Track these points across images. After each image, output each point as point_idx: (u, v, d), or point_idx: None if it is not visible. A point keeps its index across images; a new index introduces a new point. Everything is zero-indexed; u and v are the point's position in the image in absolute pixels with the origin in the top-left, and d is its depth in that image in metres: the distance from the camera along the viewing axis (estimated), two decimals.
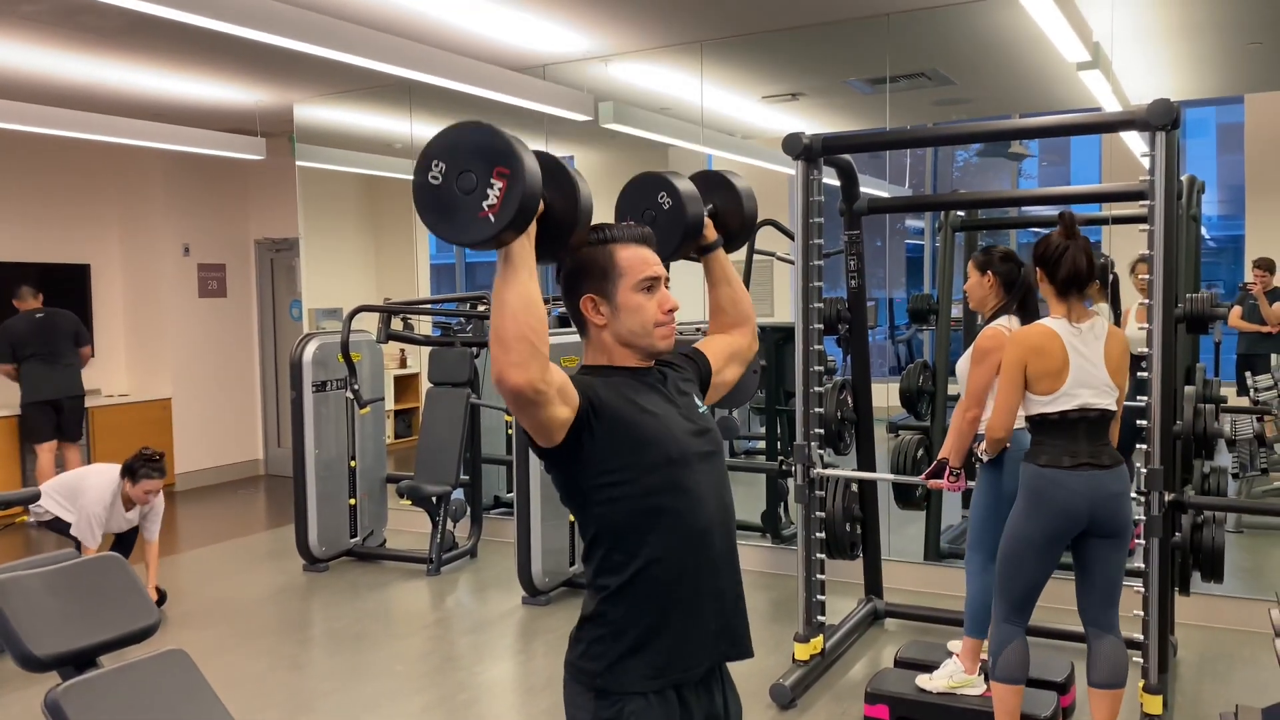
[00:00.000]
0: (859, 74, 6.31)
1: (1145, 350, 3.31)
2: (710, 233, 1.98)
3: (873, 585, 4.65)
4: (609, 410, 1.66)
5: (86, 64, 5.75)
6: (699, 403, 1.84)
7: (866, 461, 4.50)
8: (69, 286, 7.75)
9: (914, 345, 9.19)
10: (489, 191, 1.47)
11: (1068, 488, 2.95)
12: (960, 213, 5.45)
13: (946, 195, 7.01)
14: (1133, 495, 3.18)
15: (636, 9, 5.08)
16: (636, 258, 1.73)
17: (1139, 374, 3.35)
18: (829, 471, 4.03)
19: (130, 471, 4.76)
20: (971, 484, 3.60)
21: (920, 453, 5.41)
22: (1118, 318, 5.27)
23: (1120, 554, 3.06)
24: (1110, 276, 4.76)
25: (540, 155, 1.57)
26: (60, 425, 7.06)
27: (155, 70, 5.96)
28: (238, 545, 6.48)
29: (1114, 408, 3.02)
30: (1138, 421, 3.35)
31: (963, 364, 3.66)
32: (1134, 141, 5.69)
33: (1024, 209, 6.46)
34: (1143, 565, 3.34)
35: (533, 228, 1.56)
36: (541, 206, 1.58)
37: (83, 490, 4.76)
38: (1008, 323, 3.50)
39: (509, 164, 1.48)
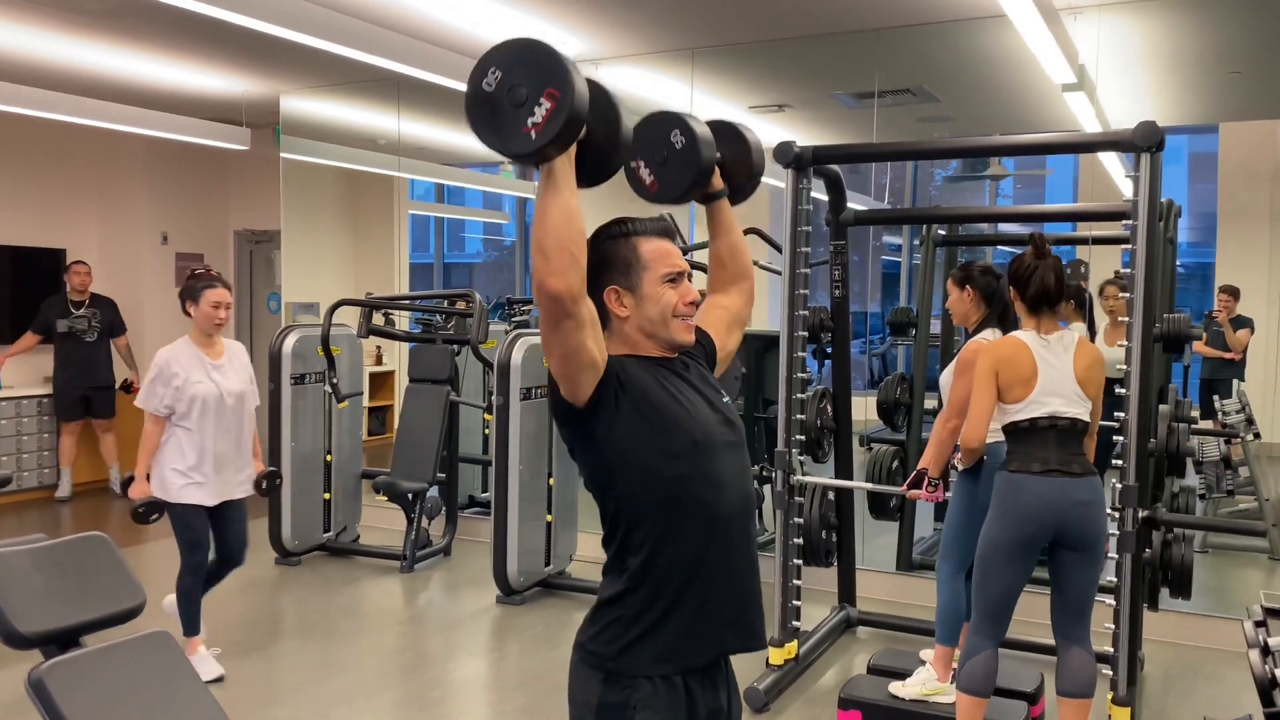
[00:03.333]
0: (846, 88, 6.37)
1: (1122, 368, 3.37)
2: (717, 180, 1.98)
3: (846, 593, 4.68)
4: (638, 387, 1.70)
5: (72, 46, 5.70)
6: (723, 393, 1.86)
7: (844, 471, 4.54)
8: (44, 271, 7.66)
9: (889, 359, 9.27)
10: (536, 110, 1.51)
11: (1034, 492, 3.00)
12: (941, 230, 5.52)
13: (930, 209, 7.10)
14: (1108, 511, 3.23)
15: (629, 13, 5.11)
16: (660, 250, 1.77)
17: (1117, 390, 3.40)
18: (809, 479, 4.06)
19: (190, 295, 3.89)
20: (949, 495, 3.65)
21: (895, 464, 5.48)
22: (1092, 337, 5.35)
23: (1093, 569, 3.10)
24: (1086, 297, 4.83)
25: (592, 85, 1.60)
26: (90, 407, 7.32)
27: (142, 55, 5.92)
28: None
29: (1086, 418, 3.08)
30: (1113, 438, 3.41)
31: (945, 376, 3.71)
32: (1113, 166, 5.79)
33: (1001, 227, 6.57)
34: (1114, 580, 3.40)
35: (573, 149, 1.59)
36: (583, 131, 1.61)
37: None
38: (991, 336, 3.55)
39: (561, 86, 1.51)
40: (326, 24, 4.75)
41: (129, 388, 7.49)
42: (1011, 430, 3.09)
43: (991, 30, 5.03)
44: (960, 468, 3.51)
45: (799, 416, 3.96)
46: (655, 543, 1.70)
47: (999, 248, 8.22)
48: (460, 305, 5.77)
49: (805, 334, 3.96)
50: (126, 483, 4.07)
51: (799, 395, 3.95)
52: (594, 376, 1.65)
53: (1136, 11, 4.83)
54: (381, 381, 8.80)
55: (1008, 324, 3.56)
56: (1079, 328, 4.87)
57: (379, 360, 8.84)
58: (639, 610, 1.70)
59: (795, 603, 3.98)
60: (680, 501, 1.71)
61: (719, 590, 1.73)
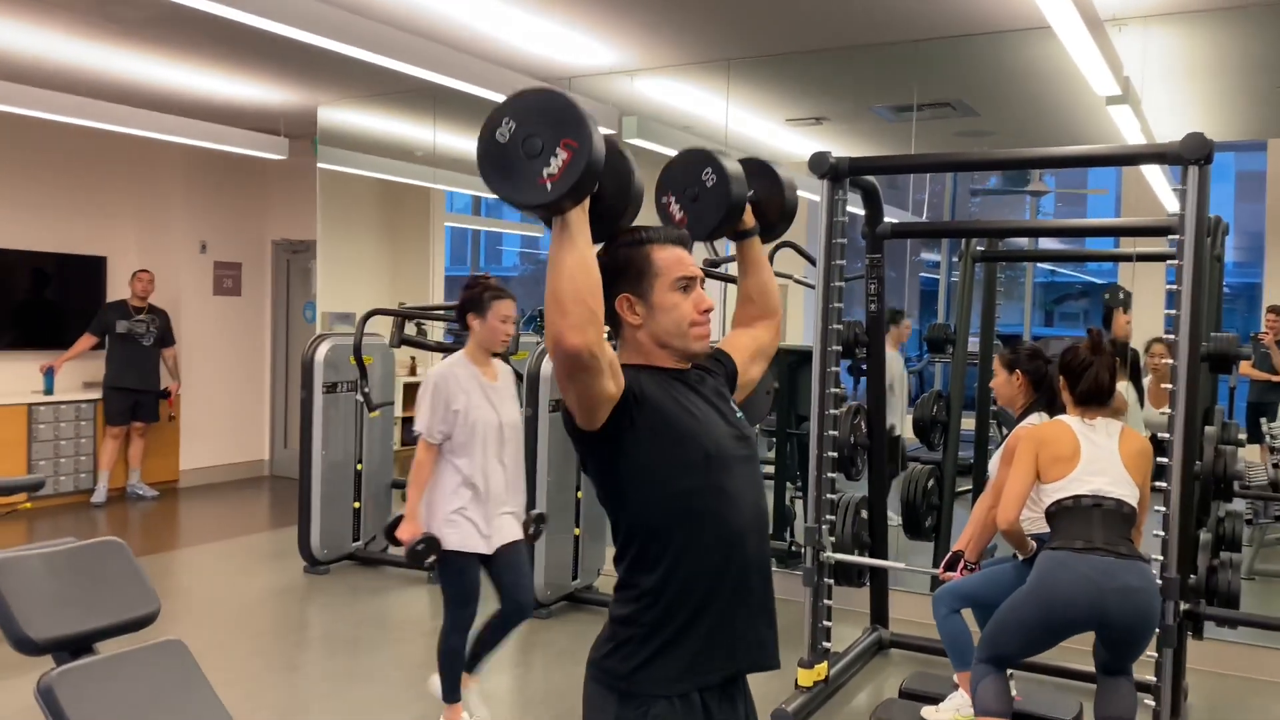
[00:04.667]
0: (884, 101, 6.29)
1: (1166, 436, 3.23)
2: (749, 218, 1.96)
3: (879, 614, 4.58)
4: (651, 402, 1.66)
5: (112, 55, 5.76)
6: (737, 409, 1.82)
7: (878, 489, 4.45)
8: (85, 278, 7.75)
9: (926, 376, 9.13)
10: (552, 160, 1.49)
11: (1075, 571, 2.83)
12: (980, 245, 5.42)
13: (969, 222, 6.96)
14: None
15: (665, 24, 5.08)
16: (672, 258, 1.73)
17: (1159, 460, 3.24)
18: (839, 556, 3.96)
19: (474, 307, 3.34)
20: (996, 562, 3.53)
21: (930, 483, 5.37)
22: (1140, 396, 5.23)
23: (1139, 650, 2.95)
24: (1129, 353, 4.72)
25: (605, 139, 1.58)
26: (137, 411, 7.49)
27: (181, 65, 5.97)
28: (240, 544, 6.44)
29: (1132, 501, 2.96)
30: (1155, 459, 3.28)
31: (994, 462, 3.62)
32: (1159, 184, 5.65)
33: (1041, 243, 6.44)
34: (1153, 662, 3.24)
35: (587, 202, 1.57)
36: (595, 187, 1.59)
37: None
38: (1037, 420, 3.46)
39: (578, 137, 1.48)
40: (364, 33, 4.76)
41: (166, 395, 7.65)
42: (1055, 511, 2.99)
43: (1033, 41, 4.94)
44: (1020, 557, 3.32)
45: (832, 433, 3.87)
46: (669, 559, 1.66)
47: (1039, 265, 8.09)
48: None
49: (839, 349, 3.88)
50: (394, 524, 3.38)
51: (832, 411, 3.87)
52: (609, 404, 1.62)
53: (1183, 23, 4.72)
54: (414, 392, 8.80)
55: (1054, 411, 3.46)
56: (1123, 386, 4.75)
57: (413, 370, 8.86)
58: (652, 628, 1.65)
59: (826, 623, 3.89)
60: (693, 515, 1.67)
61: (734, 607, 1.69)
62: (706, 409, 1.73)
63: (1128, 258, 4.91)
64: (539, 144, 1.49)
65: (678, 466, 1.66)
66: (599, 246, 1.69)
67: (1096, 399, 3.08)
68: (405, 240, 8.55)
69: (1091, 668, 3.09)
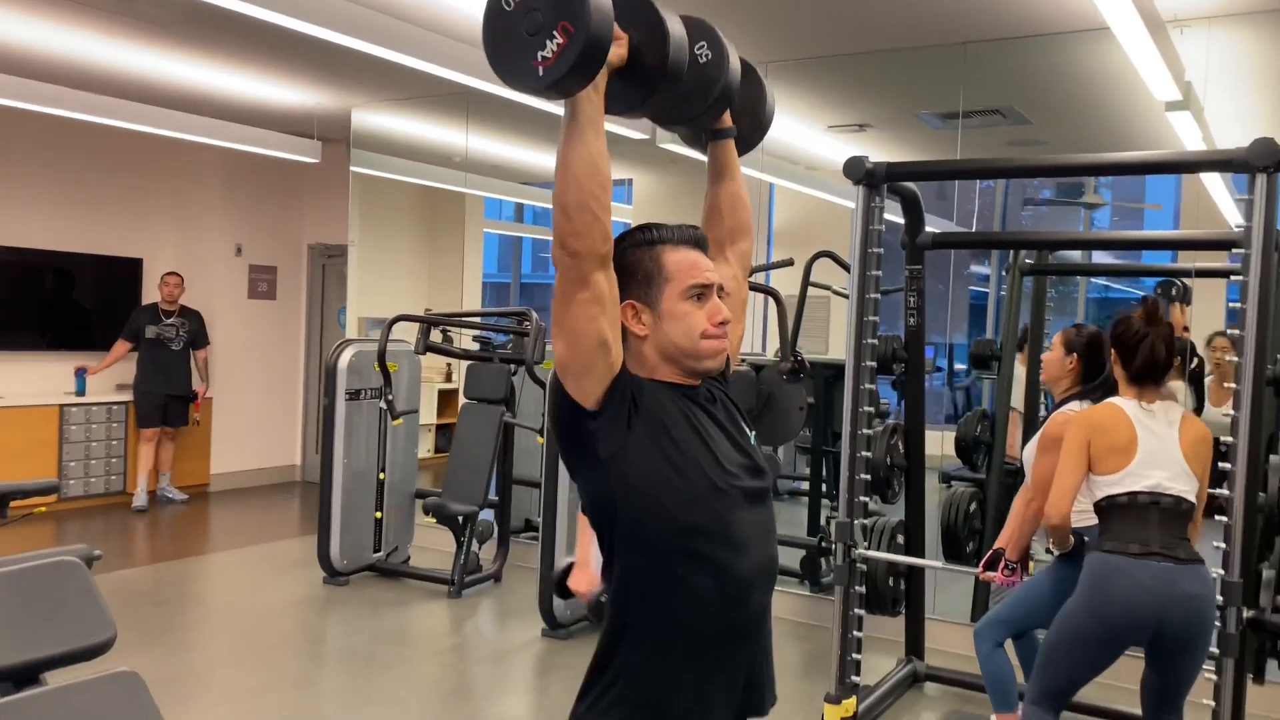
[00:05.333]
0: (931, 107, 6.06)
1: (1229, 440, 2.98)
2: (726, 117, 1.75)
3: (914, 645, 4.35)
4: (655, 410, 1.46)
5: (146, 56, 5.72)
6: (752, 437, 1.62)
7: (915, 512, 4.22)
8: (121, 280, 7.75)
9: (973, 393, 8.84)
10: (548, 42, 1.35)
11: (1133, 578, 2.62)
12: (1029, 258, 5.16)
13: (1016, 232, 6.70)
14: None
15: None
16: (686, 261, 1.53)
17: (1222, 465, 3.01)
18: (870, 553, 3.74)
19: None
20: (1028, 577, 3.31)
21: (973, 506, 5.12)
22: (1200, 401, 4.94)
23: (1195, 665, 2.72)
24: (1192, 358, 4.44)
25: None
26: (167, 415, 7.43)
27: (214, 66, 5.91)
28: (264, 551, 6.35)
29: (1191, 497, 2.72)
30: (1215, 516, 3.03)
31: (1029, 451, 3.38)
32: (1221, 198, 5.36)
33: (1095, 257, 6.16)
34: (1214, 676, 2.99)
35: (603, 81, 1.41)
36: (625, 50, 1.45)
37: None
38: (1078, 408, 3.22)
39: (575, 19, 1.34)
40: (396, 35, 4.66)
41: (194, 398, 7.58)
42: (1106, 507, 2.74)
43: (1089, 44, 4.70)
44: (1056, 552, 3.13)
45: (865, 453, 3.65)
46: (659, 604, 1.46)
47: (1092, 280, 7.78)
48: (522, 324, 5.61)
49: (874, 364, 3.66)
50: (564, 574, 3.18)
51: (865, 430, 3.65)
52: (606, 370, 1.43)
53: (1249, 24, 4.44)
54: (450, 399, 8.71)
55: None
56: (1178, 386, 4.48)
57: (448, 377, 8.76)
58: (637, 678, 1.46)
59: (855, 656, 3.67)
60: (692, 560, 1.46)
61: (728, 669, 1.49)
62: (716, 431, 1.54)
63: (1186, 273, 4.63)
64: (539, 19, 1.36)
65: (677, 498, 1.46)
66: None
67: (1152, 375, 2.79)
68: (442, 246, 8.47)
69: (1139, 710, 2.86)
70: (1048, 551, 3.23)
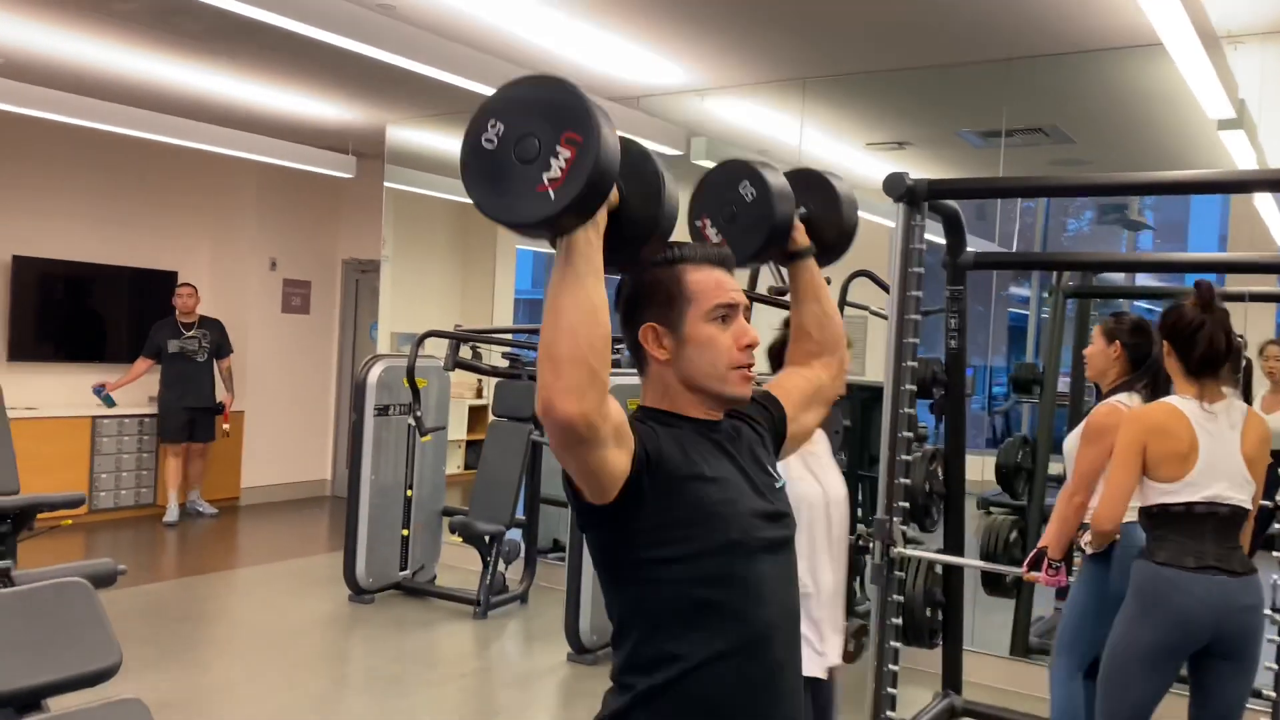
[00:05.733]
0: (972, 125, 5.93)
1: None
2: (801, 238, 1.68)
3: (951, 679, 4.19)
4: (667, 469, 1.34)
5: (180, 69, 5.74)
6: (776, 476, 1.51)
7: (954, 541, 4.08)
8: (156, 292, 7.77)
9: (1013, 417, 8.65)
10: (552, 161, 1.20)
11: (1191, 594, 2.53)
12: (1072, 280, 5.02)
13: (1061, 254, 6.55)
14: (1266, 612, 2.73)
15: (738, 40, 4.83)
16: (710, 281, 1.43)
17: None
18: (910, 551, 3.62)
19: None
20: (1072, 579, 3.20)
21: (1013, 535, 4.97)
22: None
23: (1246, 680, 2.63)
24: (1244, 361, 4.28)
25: (620, 138, 1.28)
26: (194, 430, 7.33)
27: (248, 80, 5.92)
28: (291, 567, 6.31)
29: (1248, 504, 2.60)
30: (1274, 525, 2.91)
31: (1071, 442, 3.26)
32: (1272, 217, 5.19)
33: (1139, 279, 5.99)
34: (1273, 694, 2.87)
35: (602, 220, 1.26)
36: (615, 199, 1.30)
37: None
38: (1128, 400, 3.11)
39: (582, 129, 1.19)
40: (430, 49, 4.63)
41: (221, 410, 7.50)
42: (1159, 513, 2.61)
43: (1138, 61, 4.57)
44: (1088, 550, 3.06)
45: (903, 479, 3.53)
46: (669, 661, 1.34)
47: (1136, 303, 7.58)
48: None
49: (914, 388, 3.54)
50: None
51: (904, 456, 3.53)
52: (622, 477, 1.31)
53: None
54: (480, 416, 8.66)
55: (1156, 393, 3.09)
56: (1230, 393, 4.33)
57: (479, 394, 8.72)
58: None
59: (890, 690, 3.53)
60: (706, 613, 1.35)
61: (755, 714, 1.38)
62: (735, 476, 1.42)
63: (1239, 297, 4.44)
64: (535, 144, 1.21)
65: (691, 552, 1.35)
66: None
67: (1213, 366, 2.60)
68: (474, 262, 8.43)
69: None
70: (1077, 549, 3.12)
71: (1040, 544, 3.18)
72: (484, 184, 1.25)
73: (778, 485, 1.49)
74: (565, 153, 1.19)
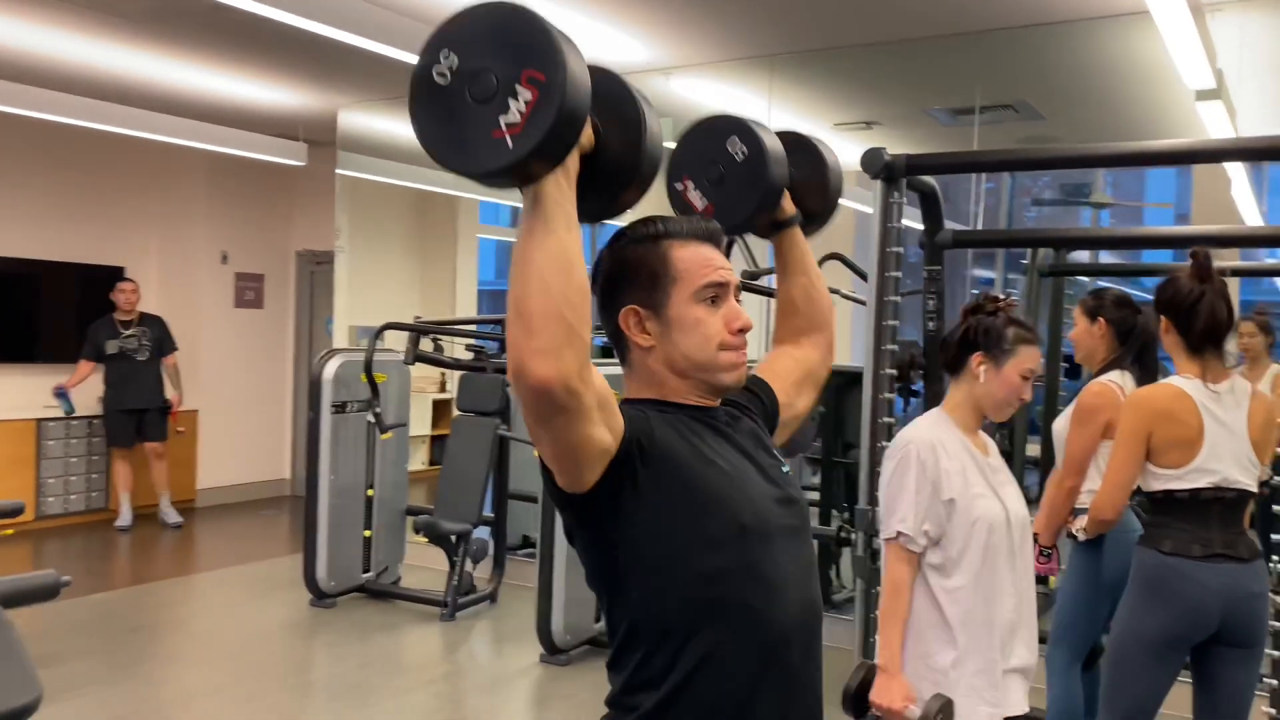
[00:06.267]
0: (941, 103, 5.82)
1: None
2: (788, 205, 1.53)
3: None
4: (663, 453, 1.21)
5: (123, 55, 5.48)
6: (781, 460, 1.38)
7: None
8: (102, 289, 7.46)
9: None
10: (510, 102, 1.03)
11: (1198, 582, 2.42)
12: (1049, 258, 4.92)
13: (1043, 231, 6.44)
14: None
15: (704, 17, 4.66)
16: (697, 258, 1.29)
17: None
18: None
19: (987, 342, 2.19)
20: (1063, 567, 3.10)
21: None
22: None
23: (1253, 669, 2.53)
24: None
25: (597, 70, 1.12)
26: (141, 429, 6.99)
27: (194, 65, 5.67)
28: (249, 571, 6.08)
29: (1253, 486, 2.49)
30: (1273, 507, 2.81)
31: (1060, 424, 3.15)
32: (1242, 191, 5.12)
33: (1103, 255, 5.91)
34: (1275, 682, 2.77)
35: (574, 164, 1.10)
36: (590, 141, 1.14)
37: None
38: (1120, 379, 3.00)
39: (545, 66, 1.03)
40: (381, 26, 4.42)
41: (169, 409, 7.13)
42: (1163, 499, 2.50)
43: (1113, 32, 4.47)
44: (1081, 537, 2.95)
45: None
46: (683, 672, 1.20)
47: (1098, 281, 7.53)
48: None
49: (894, 372, 3.41)
50: (864, 682, 2.14)
51: (885, 442, 3.39)
52: (604, 460, 1.17)
53: None
54: (444, 410, 8.46)
55: (1145, 368, 2.99)
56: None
57: (443, 387, 8.51)
58: None
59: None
60: (721, 611, 1.21)
61: None
62: (740, 462, 1.29)
63: (1222, 273, 4.37)
64: (492, 81, 1.04)
65: (699, 543, 1.21)
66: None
67: (1216, 339, 2.45)
68: (434, 251, 8.21)
69: None
70: (1070, 536, 3.02)
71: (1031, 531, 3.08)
72: (435, 125, 1.08)
73: (785, 470, 1.36)
74: (526, 94, 1.03)
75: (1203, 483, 2.44)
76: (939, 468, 2.10)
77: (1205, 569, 2.42)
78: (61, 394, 6.88)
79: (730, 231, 1.48)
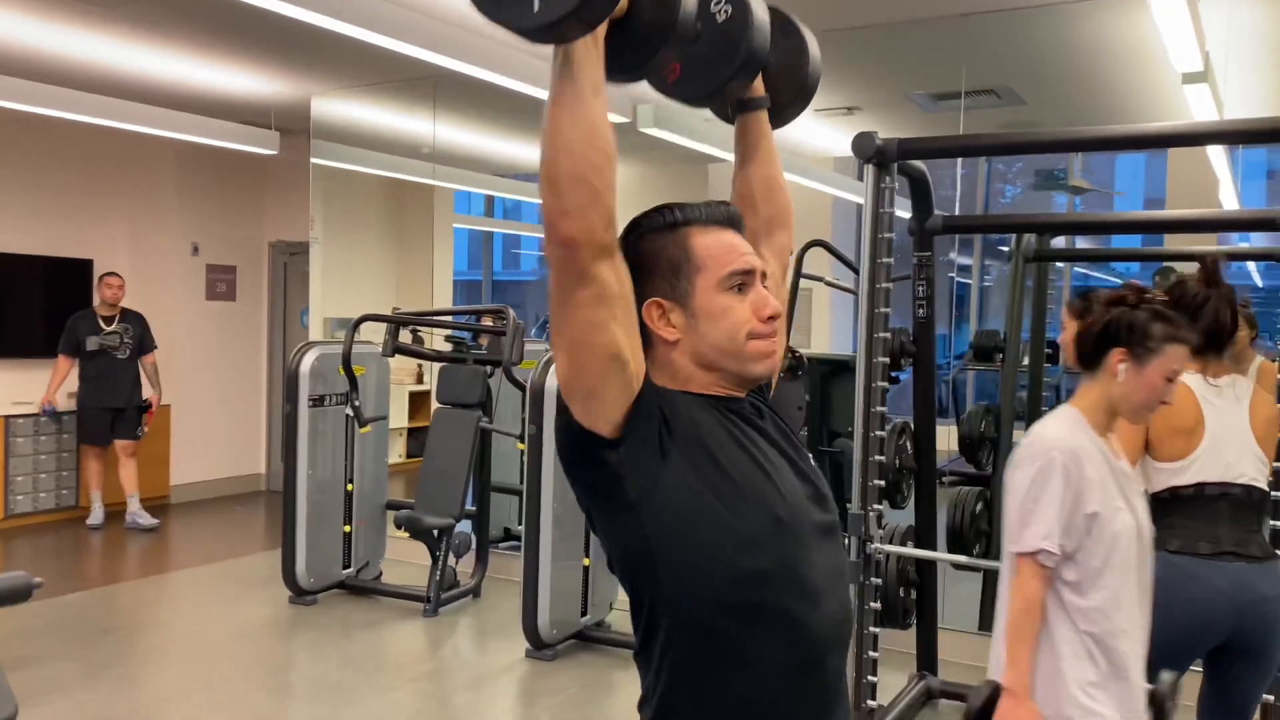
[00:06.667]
0: (924, 88, 5.77)
1: None
2: (758, 85, 1.43)
3: (926, 659, 4.06)
4: (694, 431, 1.16)
5: (88, 41, 5.32)
6: (810, 456, 1.31)
7: (926, 518, 3.93)
8: (70, 282, 7.30)
9: (958, 385, 8.59)
10: None
11: (1206, 583, 2.35)
12: (1032, 243, 4.89)
13: (1033, 215, 6.39)
14: None
15: None
16: (720, 244, 1.23)
17: None
18: (889, 548, 3.45)
19: (1131, 337, 2.03)
20: None
21: (979, 506, 4.84)
22: None
23: (1266, 674, 2.46)
24: None
25: None
26: (115, 428, 6.78)
27: (162, 51, 5.51)
28: (225, 568, 5.96)
29: (1263, 484, 2.44)
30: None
31: None
32: (1224, 177, 5.12)
33: (1079, 241, 5.88)
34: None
35: (603, 29, 1.09)
36: (623, 6, 1.12)
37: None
38: None
39: None
40: (355, 8, 4.30)
41: (147, 408, 6.94)
42: (1168, 499, 2.45)
43: (1101, 14, 4.43)
44: None
45: (878, 458, 3.35)
46: (715, 680, 1.14)
47: (1075, 267, 7.52)
48: (491, 322, 5.26)
49: (886, 360, 3.36)
50: (987, 705, 1.96)
51: (878, 433, 3.35)
52: (623, 389, 1.12)
53: None
54: (422, 402, 8.35)
55: None
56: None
57: (420, 379, 8.41)
58: None
59: (871, 678, 3.37)
60: (757, 616, 1.15)
61: None
62: (775, 456, 1.23)
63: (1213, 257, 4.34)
64: None
65: (736, 540, 1.15)
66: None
67: (1217, 343, 2.47)
68: (410, 242, 8.09)
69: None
70: None
71: None
72: None
73: (814, 465, 1.30)
74: None
75: (1207, 476, 2.40)
76: (1083, 478, 1.93)
77: (1214, 568, 2.35)
78: (45, 412, 6.75)
79: (695, 101, 1.41)
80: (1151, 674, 2.42)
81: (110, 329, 6.75)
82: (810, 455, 1.31)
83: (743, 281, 1.22)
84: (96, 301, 6.83)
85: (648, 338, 1.23)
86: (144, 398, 6.93)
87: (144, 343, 6.91)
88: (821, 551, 1.21)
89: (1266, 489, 2.45)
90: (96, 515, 6.87)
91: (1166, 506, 2.46)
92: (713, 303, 1.21)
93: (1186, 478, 2.42)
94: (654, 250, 1.22)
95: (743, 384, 1.26)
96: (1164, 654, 2.42)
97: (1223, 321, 2.45)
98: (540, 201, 1.10)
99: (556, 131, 1.08)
